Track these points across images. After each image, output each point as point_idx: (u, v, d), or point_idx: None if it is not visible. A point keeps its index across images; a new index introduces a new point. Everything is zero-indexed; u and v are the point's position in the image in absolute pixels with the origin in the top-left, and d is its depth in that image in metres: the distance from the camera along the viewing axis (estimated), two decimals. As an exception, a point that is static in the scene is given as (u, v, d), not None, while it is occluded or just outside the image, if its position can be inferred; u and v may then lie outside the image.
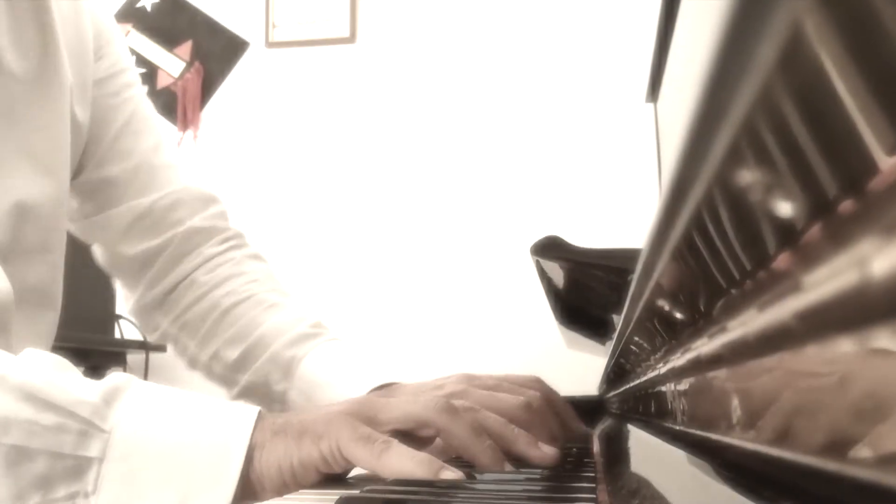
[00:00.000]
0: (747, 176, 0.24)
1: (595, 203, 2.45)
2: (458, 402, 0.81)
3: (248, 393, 1.16)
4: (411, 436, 0.77)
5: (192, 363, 1.22)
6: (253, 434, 0.74)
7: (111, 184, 1.18)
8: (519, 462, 0.81)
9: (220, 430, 0.75)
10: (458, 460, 0.79)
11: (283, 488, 0.73)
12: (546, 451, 0.81)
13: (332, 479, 0.75)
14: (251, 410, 0.76)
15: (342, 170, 2.69)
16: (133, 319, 1.32)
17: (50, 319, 1.08)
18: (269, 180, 2.75)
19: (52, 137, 1.05)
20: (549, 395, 0.99)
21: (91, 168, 1.16)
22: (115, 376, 0.78)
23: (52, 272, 1.07)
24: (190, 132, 2.85)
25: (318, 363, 1.13)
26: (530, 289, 1.63)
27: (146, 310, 1.24)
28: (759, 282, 0.28)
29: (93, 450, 0.73)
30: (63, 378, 0.76)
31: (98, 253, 1.24)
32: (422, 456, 0.69)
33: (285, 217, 2.71)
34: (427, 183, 2.61)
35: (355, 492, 0.60)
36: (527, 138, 2.55)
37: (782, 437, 0.27)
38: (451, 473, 0.68)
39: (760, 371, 0.29)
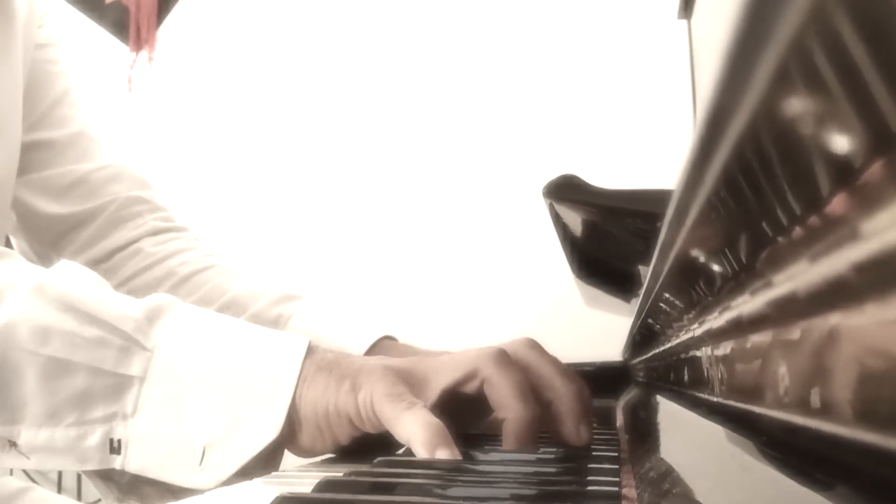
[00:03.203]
0: (797, 104, 0.24)
1: (618, 137, 2.44)
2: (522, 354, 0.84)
3: None
4: (468, 402, 0.80)
5: None
6: (302, 363, 0.80)
7: (47, 147, 1.24)
8: (546, 437, 0.82)
9: (270, 357, 0.81)
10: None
11: (318, 434, 0.79)
12: (584, 436, 0.82)
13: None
14: (301, 340, 0.82)
15: (327, 97, 2.67)
16: None
17: None
18: (238, 110, 2.74)
19: (6, 94, 1.12)
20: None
21: (24, 130, 1.21)
22: (157, 296, 0.85)
23: None
24: (144, 53, 2.83)
25: (309, 319, 1.18)
26: (543, 237, 1.62)
27: None
28: (810, 228, 0.28)
29: (134, 368, 0.80)
30: (103, 292, 0.84)
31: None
32: (433, 426, 0.72)
33: (260, 156, 2.70)
34: (423, 110, 2.60)
35: (338, 474, 0.60)
36: (539, 63, 2.54)
37: (838, 410, 0.27)
38: (447, 452, 0.70)
39: (812, 333, 0.29)
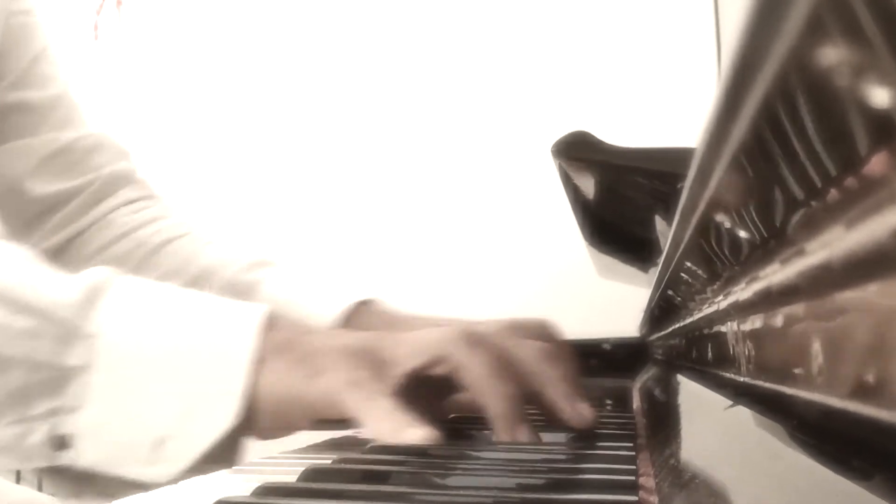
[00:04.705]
0: (833, 51, 0.24)
1: (634, 89, 2.43)
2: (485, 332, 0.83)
3: None
4: (434, 384, 0.80)
5: None
6: (258, 341, 0.79)
7: (27, 110, 1.24)
8: (543, 419, 0.82)
9: (224, 337, 0.80)
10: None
11: (275, 419, 0.79)
12: (583, 412, 0.82)
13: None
14: (256, 316, 0.81)
15: (322, 48, 2.67)
16: None
17: None
18: (212, 58, 2.73)
19: None
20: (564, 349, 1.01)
21: (4, 89, 1.22)
22: (95, 270, 0.83)
23: None
24: (111, -3, 2.83)
25: (283, 284, 1.20)
26: (551, 201, 1.62)
27: (45, 257, 1.27)
28: (847, 191, 0.28)
29: (74, 357, 0.78)
30: (36, 273, 0.82)
31: None
32: (398, 418, 0.71)
33: (237, 106, 2.70)
34: (420, 56, 2.59)
35: (326, 462, 0.60)
36: (547, 7, 2.53)
37: (877, 391, 0.27)
38: (418, 432, 0.69)
39: (848, 306, 0.29)
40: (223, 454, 0.78)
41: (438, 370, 0.78)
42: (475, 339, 0.79)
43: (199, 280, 1.20)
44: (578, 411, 0.81)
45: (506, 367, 0.79)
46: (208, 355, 0.79)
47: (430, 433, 0.70)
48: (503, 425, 0.76)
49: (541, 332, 0.94)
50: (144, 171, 1.39)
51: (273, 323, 0.81)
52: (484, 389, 0.77)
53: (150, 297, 0.83)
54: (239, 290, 1.18)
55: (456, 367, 0.78)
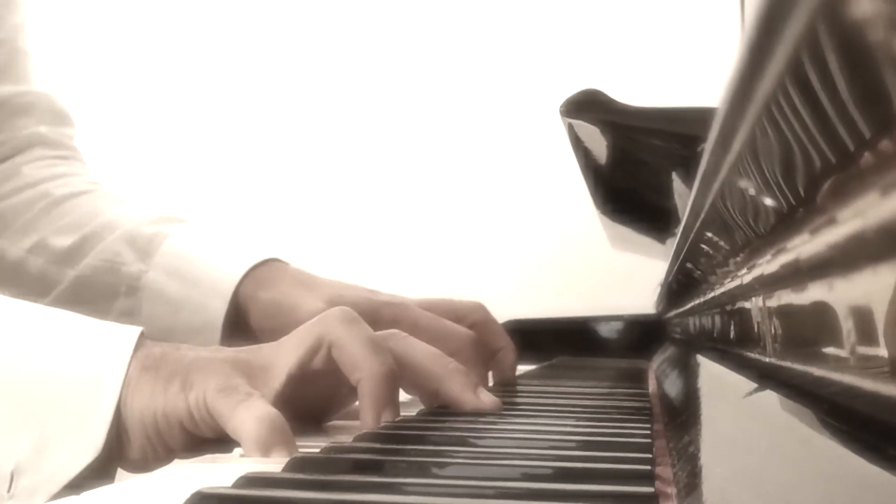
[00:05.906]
0: (867, 1, 0.24)
1: (649, 43, 2.43)
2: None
3: (78, 288, 1.20)
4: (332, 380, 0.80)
5: None
6: (126, 366, 0.78)
7: None
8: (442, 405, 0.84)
9: (89, 360, 0.79)
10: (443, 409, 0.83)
11: (147, 445, 0.78)
12: (485, 400, 0.83)
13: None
14: (130, 331, 0.80)
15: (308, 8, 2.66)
16: None
17: None
18: (193, 14, 2.73)
19: None
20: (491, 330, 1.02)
21: None
22: None
23: None
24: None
25: (187, 238, 1.20)
26: (560, 164, 1.62)
27: None
28: (882, 155, 0.27)
29: None
30: None
31: None
32: (269, 420, 0.71)
33: (219, 66, 2.70)
34: (419, 6, 2.59)
35: (315, 450, 0.61)
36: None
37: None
38: (283, 452, 0.68)
39: (883, 280, 0.29)
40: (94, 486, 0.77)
41: (319, 359, 0.78)
42: (350, 315, 0.80)
43: (99, 233, 1.20)
44: (481, 400, 0.82)
45: (382, 341, 0.80)
46: (71, 381, 0.77)
47: (295, 452, 0.68)
48: (370, 403, 0.76)
49: (465, 316, 0.96)
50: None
51: (143, 342, 0.80)
52: (357, 366, 0.77)
53: (4, 313, 0.82)
54: (138, 243, 1.18)
55: (330, 345, 0.77)
